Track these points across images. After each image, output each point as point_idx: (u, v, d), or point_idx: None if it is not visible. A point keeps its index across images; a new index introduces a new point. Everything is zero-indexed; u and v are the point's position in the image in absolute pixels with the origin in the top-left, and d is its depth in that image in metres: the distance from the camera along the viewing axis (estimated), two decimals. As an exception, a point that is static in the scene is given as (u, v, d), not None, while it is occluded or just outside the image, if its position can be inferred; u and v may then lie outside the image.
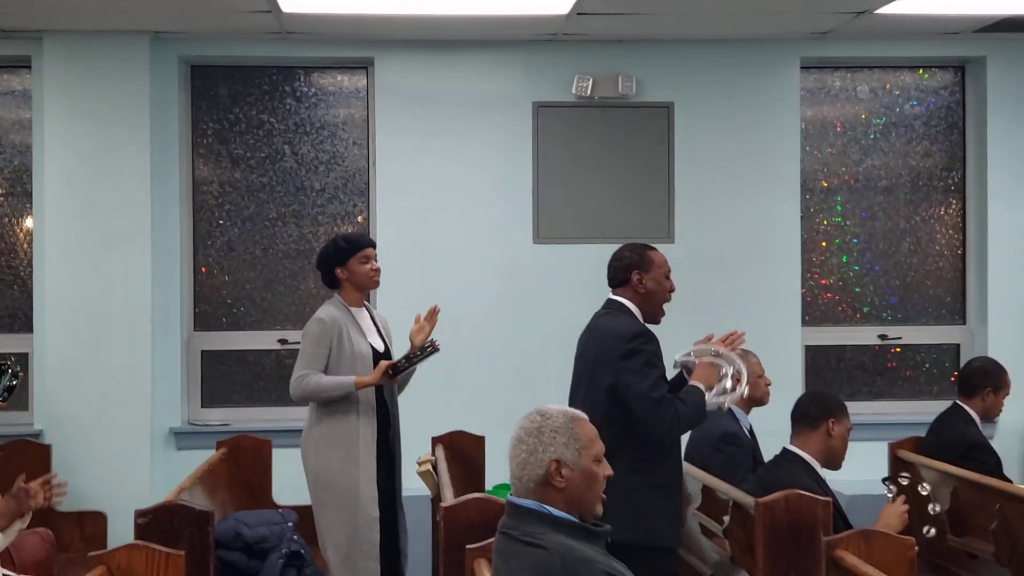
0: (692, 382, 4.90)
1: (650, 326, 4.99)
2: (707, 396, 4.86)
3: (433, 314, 5.92)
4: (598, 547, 3.37)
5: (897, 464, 6.53)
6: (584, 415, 3.49)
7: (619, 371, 4.80)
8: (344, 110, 7.97)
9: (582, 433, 3.42)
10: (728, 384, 4.96)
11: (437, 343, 5.74)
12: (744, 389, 5.00)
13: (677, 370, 5.09)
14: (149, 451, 7.39)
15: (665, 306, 5.07)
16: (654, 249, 5.08)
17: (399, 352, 5.88)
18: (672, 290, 5.06)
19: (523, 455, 3.40)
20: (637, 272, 4.97)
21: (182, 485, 5.51)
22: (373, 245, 5.94)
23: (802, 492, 4.65)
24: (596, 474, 3.42)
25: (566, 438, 3.39)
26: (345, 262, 5.81)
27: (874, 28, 7.55)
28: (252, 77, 7.90)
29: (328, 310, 5.79)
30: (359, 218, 7.91)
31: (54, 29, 7.36)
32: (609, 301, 5.08)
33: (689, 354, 5.06)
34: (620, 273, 5.02)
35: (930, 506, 5.44)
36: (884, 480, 5.52)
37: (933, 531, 5.42)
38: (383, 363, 5.69)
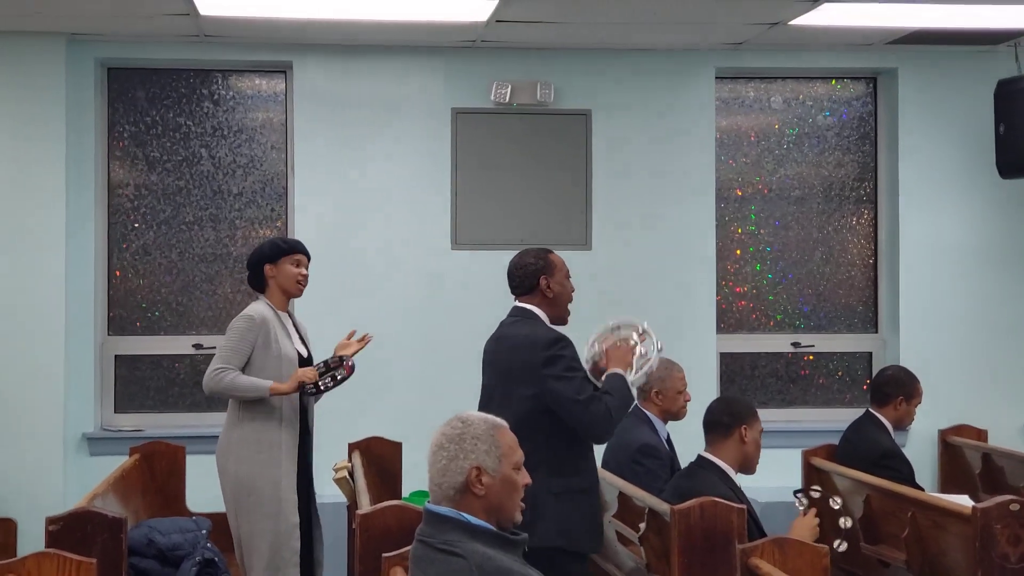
0: (610, 369, 4.93)
1: (563, 330, 5.03)
2: (630, 376, 4.90)
3: (364, 341, 5.90)
4: (515, 555, 3.38)
5: (810, 471, 6.60)
6: (505, 423, 3.50)
7: (543, 379, 4.82)
8: (262, 114, 7.93)
9: (503, 441, 3.43)
10: (641, 350, 5.00)
11: (353, 367, 5.73)
12: (658, 344, 5.01)
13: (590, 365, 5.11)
14: (61, 456, 7.30)
15: (570, 306, 5.11)
16: (552, 251, 5.13)
17: (319, 359, 5.85)
18: (573, 290, 5.12)
19: (443, 461, 3.40)
20: (544, 277, 5.00)
21: (95, 491, 5.42)
22: (308, 256, 5.92)
23: (717, 499, 4.67)
24: (516, 482, 3.43)
25: (487, 445, 3.39)
26: (276, 260, 5.76)
27: (788, 39, 7.64)
28: (169, 80, 7.83)
29: (258, 308, 5.72)
30: (278, 223, 7.86)
31: (-34, 28, 7.26)
32: (516, 308, 5.09)
33: (593, 345, 5.10)
34: (527, 280, 5.03)
35: (841, 520, 5.50)
36: (796, 493, 5.57)
37: (844, 545, 5.47)
38: (299, 372, 5.64)
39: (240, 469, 5.59)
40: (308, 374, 5.65)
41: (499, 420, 3.50)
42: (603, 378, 4.95)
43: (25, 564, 3.78)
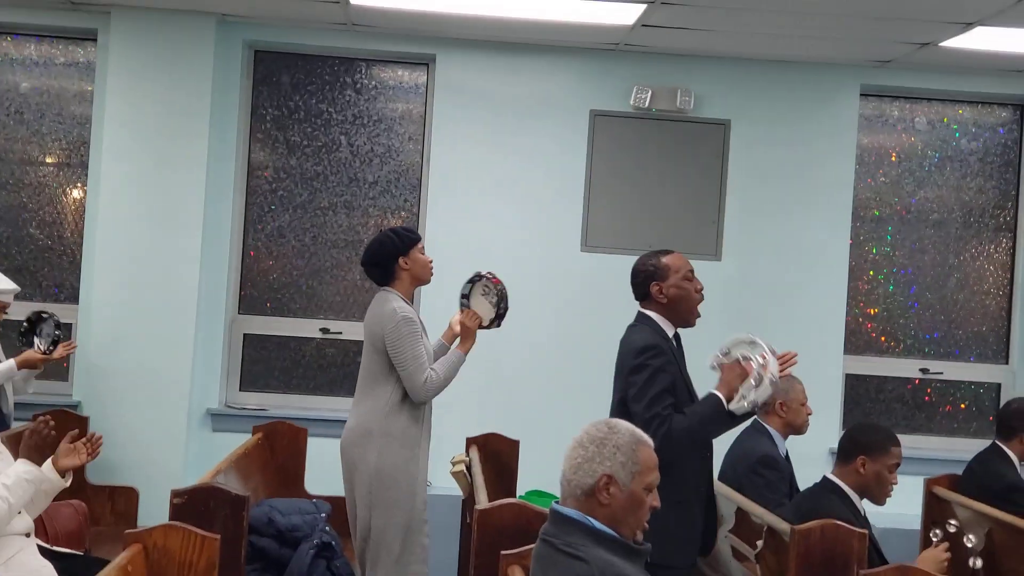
0: (713, 389, 4.72)
1: (689, 333, 4.88)
2: (733, 402, 4.72)
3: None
4: (637, 566, 3.37)
5: (932, 500, 6.49)
6: (651, 441, 3.46)
7: (628, 386, 4.75)
8: (402, 104, 8.00)
9: (643, 458, 3.39)
10: (753, 383, 4.74)
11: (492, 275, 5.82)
12: (770, 379, 4.76)
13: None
14: (185, 430, 7.42)
15: (698, 308, 4.88)
16: (670, 253, 4.90)
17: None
18: (699, 290, 4.86)
19: (579, 460, 3.38)
20: (656, 283, 4.81)
21: (218, 467, 5.50)
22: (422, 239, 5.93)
23: (839, 522, 4.61)
24: (643, 502, 3.39)
25: (625, 457, 3.36)
26: (408, 251, 5.69)
27: (936, 60, 7.52)
28: (314, 66, 7.94)
29: (401, 305, 5.59)
30: (409, 213, 7.92)
31: (123, 4, 7.39)
32: (638, 314, 4.99)
33: (726, 352, 4.86)
34: (640, 288, 4.88)
35: (971, 560, 5.37)
36: (930, 524, 5.44)
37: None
38: (468, 323, 5.71)
39: (383, 462, 5.49)
40: (473, 320, 5.73)
41: (646, 437, 3.46)
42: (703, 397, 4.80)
43: (152, 534, 3.85)
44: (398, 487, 5.50)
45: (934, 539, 5.13)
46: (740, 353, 4.73)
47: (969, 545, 5.39)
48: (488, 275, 5.81)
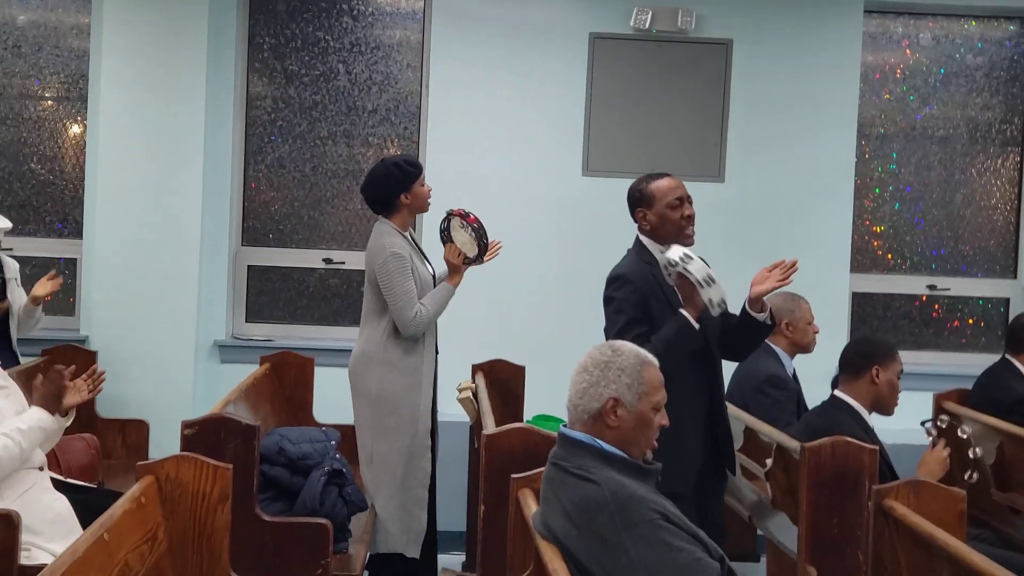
0: (680, 311, 4.55)
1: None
2: (705, 291, 4.45)
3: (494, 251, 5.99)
4: (648, 485, 3.37)
5: (942, 415, 6.49)
6: (656, 361, 3.45)
7: (606, 315, 4.74)
8: (400, 31, 7.92)
9: (648, 378, 3.39)
10: (705, 286, 4.58)
11: (468, 213, 5.82)
12: (705, 278, 4.41)
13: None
14: (192, 362, 7.44)
15: (688, 232, 4.70)
16: (658, 177, 4.79)
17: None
18: (686, 215, 4.70)
19: (584, 384, 3.38)
20: (640, 210, 4.77)
21: (227, 398, 5.51)
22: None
23: (849, 439, 4.60)
24: (651, 421, 3.39)
25: (631, 379, 3.37)
26: (410, 187, 5.72)
27: (941, -26, 7.44)
28: (310, -7, 7.87)
29: (393, 240, 5.64)
30: (411, 141, 7.87)
31: (117, -63, 7.32)
32: (635, 238, 4.93)
33: (668, 272, 4.60)
34: (631, 214, 4.86)
35: (970, 450, 5.41)
36: (923, 423, 5.48)
37: (976, 475, 5.38)
38: (452, 259, 5.76)
39: (383, 388, 5.62)
40: (455, 255, 5.77)
41: (651, 357, 3.45)
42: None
43: (164, 466, 3.84)
44: (399, 413, 5.62)
45: (929, 438, 5.14)
46: (675, 270, 4.56)
47: (964, 436, 5.41)
48: (460, 212, 5.80)
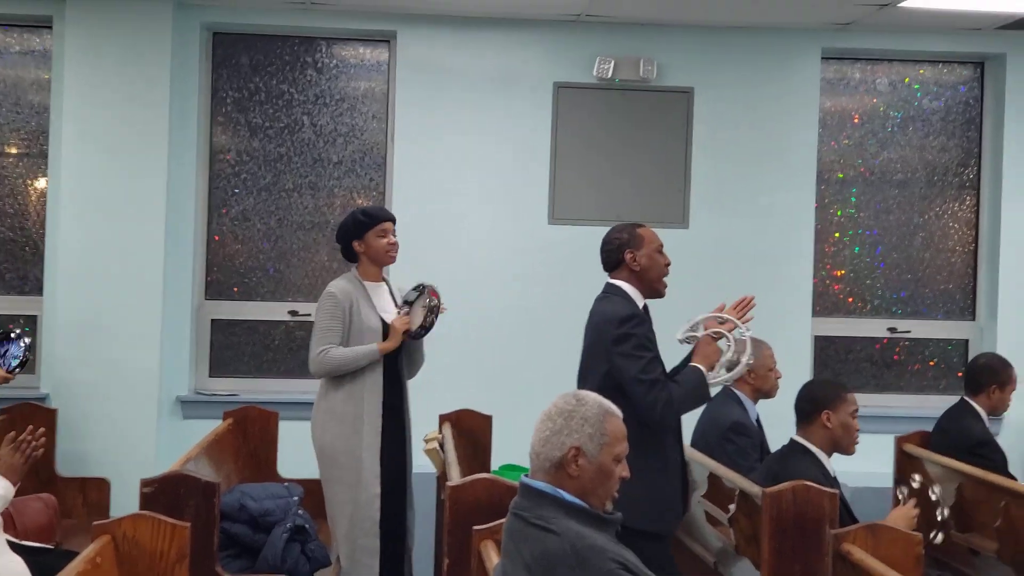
0: (693, 362, 4.89)
1: (657, 303, 5.00)
2: (710, 375, 4.85)
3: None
4: (609, 535, 3.38)
5: (903, 458, 6.53)
6: (619, 412, 3.47)
7: (612, 356, 4.78)
8: (365, 83, 7.96)
9: (611, 429, 3.40)
10: (730, 356, 4.93)
11: (434, 289, 5.80)
12: (748, 360, 4.95)
13: (689, 344, 5.07)
14: (155, 419, 7.38)
15: (666, 280, 5.01)
16: (643, 226, 5.03)
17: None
18: (667, 264, 4.99)
19: (547, 433, 3.39)
20: (629, 251, 4.92)
21: (188, 455, 5.50)
22: (392, 220, 5.89)
23: (809, 484, 4.64)
24: (612, 472, 3.40)
25: (593, 429, 3.37)
26: (362, 235, 5.77)
27: (896, 21, 7.52)
28: (274, 47, 7.89)
29: (339, 284, 5.76)
30: (376, 192, 7.89)
31: (77, -9, 7.34)
32: (606, 285, 5.03)
33: (695, 327, 5.03)
34: (613, 255, 4.98)
35: (938, 511, 5.43)
36: (897, 486, 5.51)
37: (940, 537, 5.40)
38: (397, 324, 5.72)
39: (324, 439, 5.66)
40: (402, 323, 5.73)
41: (614, 408, 3.47)
42: (684, 368, 4.93)
43: (121, 525, 3.84)
44: (339, 464, 5.64)
45: (900, 497, 5.17)
46: (711, 330, 4.88)
47: (934, 497, 5.44)
48: (431, 289, 5.82)
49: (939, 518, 5.41)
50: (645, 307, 5.00)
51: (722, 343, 4.96)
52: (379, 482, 5.69)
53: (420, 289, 5.85)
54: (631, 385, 4.68)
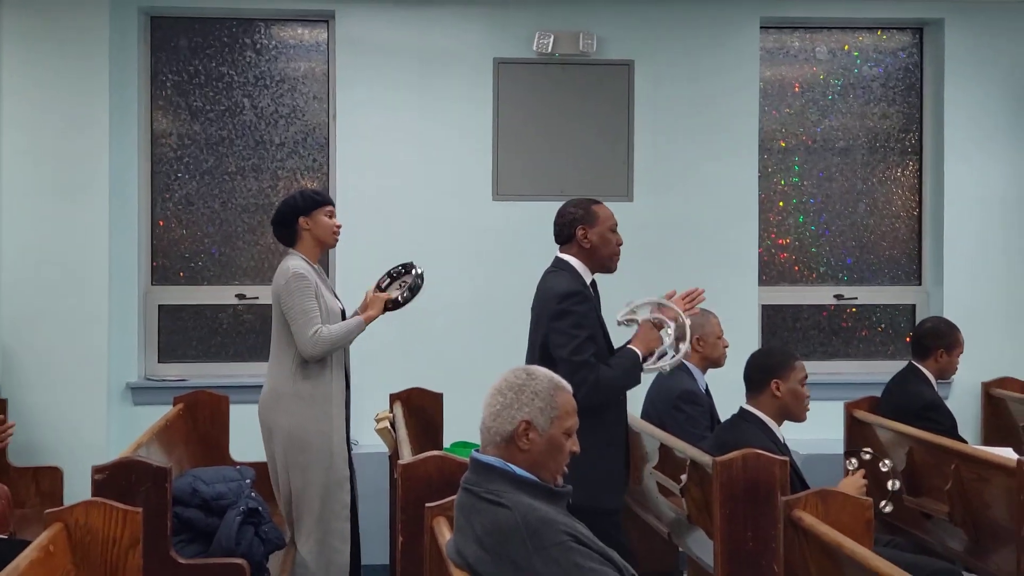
0: (630, 345, 4.91)
1: (604, 278, 5.01)
2: (648, 362, 4.87)
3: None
4: (559, 507, 3.39)
5: (853, 424, 6.59)
6: (569, 386, 3.49)
7: (550, 331, 4.81)
8: (304, 63, 7.92)
9: (561, 402, 3.42)
10: (669, 344, 4.95)
11: (419, 270, 5.83)
12: (685, 349, 4.99)
13: (628, 327, 5.08)
14: (105, 406, 7.35)
15: (618, 259, 5.04)
16: (599, 203, 5.05)
17: (351, 312, 5.87)
18: (620, 243, 5.02)
19: (497, 407, 3.40)
20: (582, 227, 4.94)
21: (139, 441, 5.47)
22: (334, 205, 5.89)
23: (759, 451, 4.67)
24: (563, 446, 3.42)
25: (544, 403, 3.39)
26: (310, 212, 5.70)
27: (834, -11, 7.56)
28: (212, 29, 7.83)
29: (298, 263, 5.63)
30: (320, 173, 7.86)
31: (12, -22, 7.27)
32: (555, 259, 5.05)
33: (634, 311, 5.04)
34: (565, 229, 4.99)
35: (889, 483, 5.47)
36: (847, 455, 5.54)
37: (890, 507, 5.44)
38: (380, 296, 5.73)
39: (292, 423, 5.56)
40: (381, 297, 5.75)
41: (564, 382, 3.48)
42: (619, 350, 4.94)
43: (73, 512, 3.81)
44: (312, 448, 5.57)
45: (850, 468, 5.20)
46: (653, 316, 4.88)
47: (885, 469, 5.48)
48: (419, 272, 5.85)
49: (890, 488, 5.45)
50: (593, 283, 5.01)
51: (664, 332, 4.97)
52: (347, 465, 5.68)
53: (408, 267, 5.86)
54: (562, 364, 4.68)
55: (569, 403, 3.46)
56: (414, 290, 5.80)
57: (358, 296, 5.94)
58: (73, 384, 7.29)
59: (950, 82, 7.99)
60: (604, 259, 4.98)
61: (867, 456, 5.41)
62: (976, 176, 7.99)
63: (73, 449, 7.09)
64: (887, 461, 5.54)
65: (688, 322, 4.98)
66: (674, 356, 4.95)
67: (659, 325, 4.97)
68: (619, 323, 5.03)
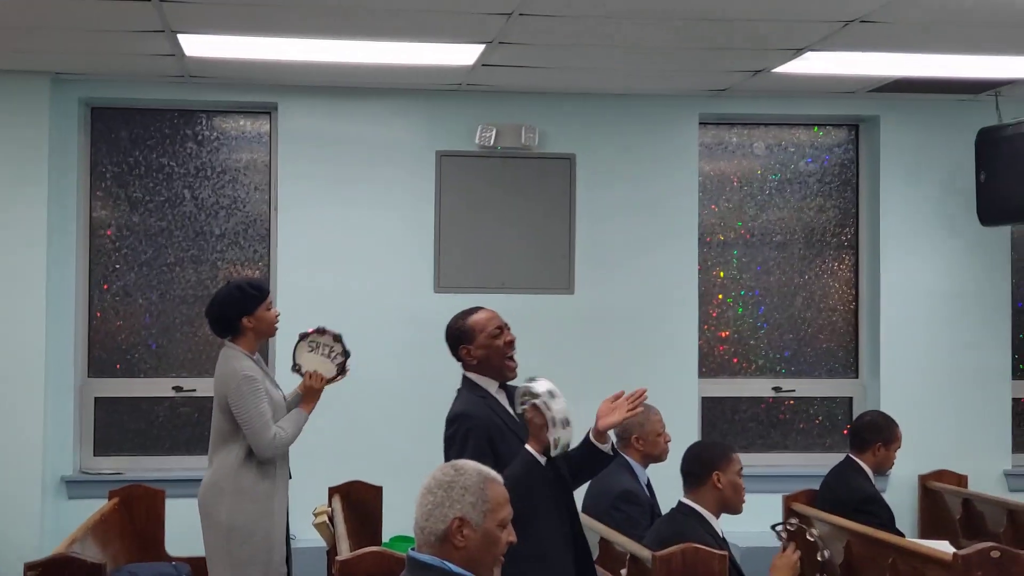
0: (526, 445, 4.53)
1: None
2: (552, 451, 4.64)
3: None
4: (497, 604, 3.37)
5: (791, 517, 6.57)
6: (499, 477, 3.46)
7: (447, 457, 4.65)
8: (246, 155, 7.94)
9: (492, 495, 3.39)
10: (558, 426, 4.63)
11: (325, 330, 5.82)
12: (562, 420, 4.45)
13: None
14: (39, 500, 7.25)
15: (511, 361, 4.76)
16: (474, 312, 4.83)
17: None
18: (508, 342, 4.76)
19: (429, 506, 3.37)
20: (464, 347, 4.76)
21: (73, 536, 5.41)
22: (269, 292, 5.89)
23: (698, 546, 4.67)
24: (498, 539, 3.39)
25: (475, 498, 3.36)
26: (254, 310, 5.66)
27: (771, 86, 7.67)
28: (153, 120, 7.84)
29: (244, 363, 5.58)
30: (260, 264, 7.85)
31: (-48, 68, 7.25)
32: (462, 377, 4.86)
33: (523, 400, 4.53)
34: (453, 352, 4.84)
35: (819, 553, 5.49)
36: (773, 527, 5.55)
37: (824, 577, 5.46)
38: (314, 382, 5.70)
39: (235, 518, 5.49)
40: (317, 380, 5.73)
41: (493, 473, 3.45)
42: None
43: (3, 610, 3.75)
44: (253, 543, 5.51)
45: (779, 541, 5.19)
46: (534, 401, 4.63)
47: (812, 539, 5.49)
48: (312, 331, 5.81)
49: (819, 559, 5.47)
50: (503, 385, 4.84)
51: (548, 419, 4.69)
52: (284, 561, 5.63)
53: (322, 331, 5.83)
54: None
55: (501, 494, 3.44)
56: (347, 355, 5.80)
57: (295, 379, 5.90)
58: (6, 478, 7.19)
59: (885, 177, 8.12)
60: (497, 367, 4.76)
61: (793, 527, 5.42)
62: (912, 270, 8.09)
63: (5, 544, 6.98)
64: (813, 531, 5.55)
65: (557, 399, 4.64)
66: (563, 433, 4.63)
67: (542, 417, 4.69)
68: (517, 416, 4.80)
